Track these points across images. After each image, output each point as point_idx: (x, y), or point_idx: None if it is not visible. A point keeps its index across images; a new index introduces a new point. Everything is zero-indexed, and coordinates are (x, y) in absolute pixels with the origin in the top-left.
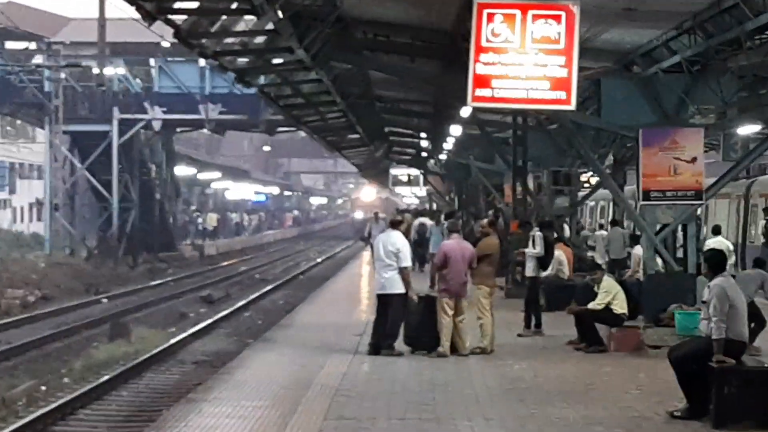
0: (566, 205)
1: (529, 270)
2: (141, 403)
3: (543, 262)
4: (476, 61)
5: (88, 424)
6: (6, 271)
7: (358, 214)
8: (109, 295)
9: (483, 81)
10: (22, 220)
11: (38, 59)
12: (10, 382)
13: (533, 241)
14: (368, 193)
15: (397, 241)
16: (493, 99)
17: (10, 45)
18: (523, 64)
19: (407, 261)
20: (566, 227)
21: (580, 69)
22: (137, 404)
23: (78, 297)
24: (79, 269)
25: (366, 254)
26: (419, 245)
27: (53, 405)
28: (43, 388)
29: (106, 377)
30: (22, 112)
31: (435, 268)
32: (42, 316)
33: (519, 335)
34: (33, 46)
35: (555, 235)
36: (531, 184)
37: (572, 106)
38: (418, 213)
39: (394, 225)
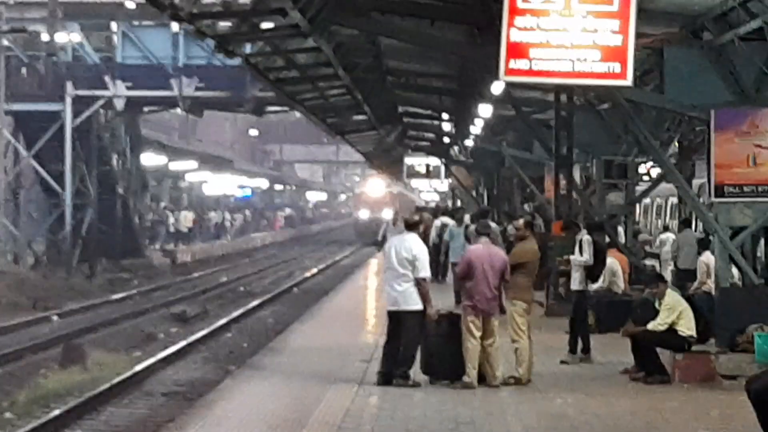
0: (621, 203)
1: (575, 282)
2: None
3: (592, 272)
4: (510, 25)
5: None
6: None
7: (363, 214)
8: (60, 312)
9: (519, 50)
10: None
11: None
12: None
13: (580, 247)
14: (375, 186)
15: (413, 246)
16: (530, 72)
17: None
18: (568, 29)
19: (425, 270)
20: (620, 230)
21: (638, 36)
22: None
23: (22, 314)
24: (24, 279)
25: (375, 262)
26: (441, 251)
27: None
28: None
29: (56, 412)
30: None
31: (457, 278)
32: None
33: (562, 362)
34: None
35: (607, 239)
36: (577, 177)
37: (628, 81)
38: (438, 212)
39: (410, 226)
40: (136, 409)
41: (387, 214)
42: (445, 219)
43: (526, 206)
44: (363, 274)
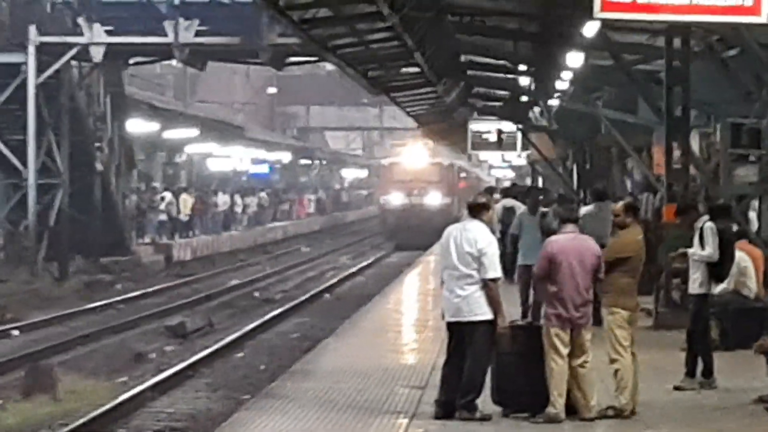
0: (753, 180)
1: (695, 284)
2: None
3: (716, 270)
4: None
5: None
6: None
7: (395, 198)
8: (22, 325)
9: None
10: None
11: None
12: None
13: (701, 237)
14: (415, 155)
15: (478, 237)
16: (633, 6)
17: None
18: None
19: (495, 269)
20: (753, 215)
21: None
22: None
23: None
24: None
25: (431, 259)
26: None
27: None
28: None
29: None
30: None
31: (536, 280)
32: None
33: (677, 387)
34: None
35: (735, 227)
36: (696, 146)
37: (762, 17)
38: (504, 192)
39: (475, 211)
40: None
41: (434, 198)
42: (509, 201)
43: (628, 183)
44: (415, 275)
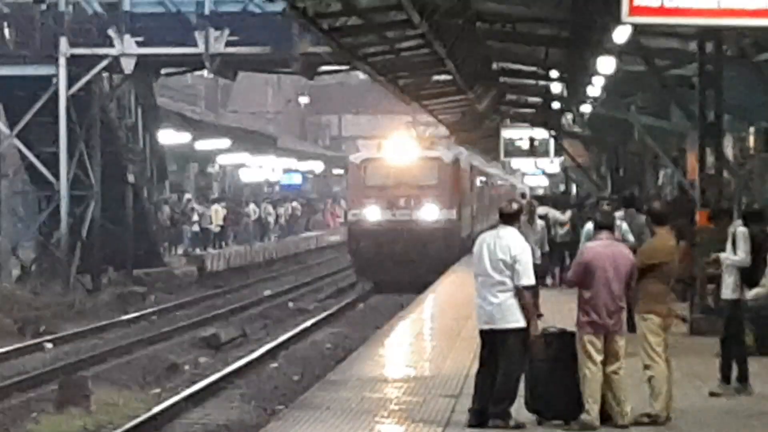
0: None
1: (728, 289)
2: None
3: (750, 275)
4: None
5: None
6: None
7: (370, 213)
8: (56, 338)
9: None
10: None
11: None
12: None
13: (734, 242)
14: (395, 148)
15: (511, 244)
16: (663, 11)
17: None
18: None
19: (529, 276)
20: None
21: None
22: None
23: (7, 341)
24: (8, 296)
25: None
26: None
27: None
28: None
29: None
30: None
31: (569, 285)
32: None
33: (712, 394)
34: None
35: None
36: (730, 151)
37: None
38: (539, 199)
39: (507, 218)
40: None
41: (430, 212)
42: (544, 209)
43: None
44: (448, 282)
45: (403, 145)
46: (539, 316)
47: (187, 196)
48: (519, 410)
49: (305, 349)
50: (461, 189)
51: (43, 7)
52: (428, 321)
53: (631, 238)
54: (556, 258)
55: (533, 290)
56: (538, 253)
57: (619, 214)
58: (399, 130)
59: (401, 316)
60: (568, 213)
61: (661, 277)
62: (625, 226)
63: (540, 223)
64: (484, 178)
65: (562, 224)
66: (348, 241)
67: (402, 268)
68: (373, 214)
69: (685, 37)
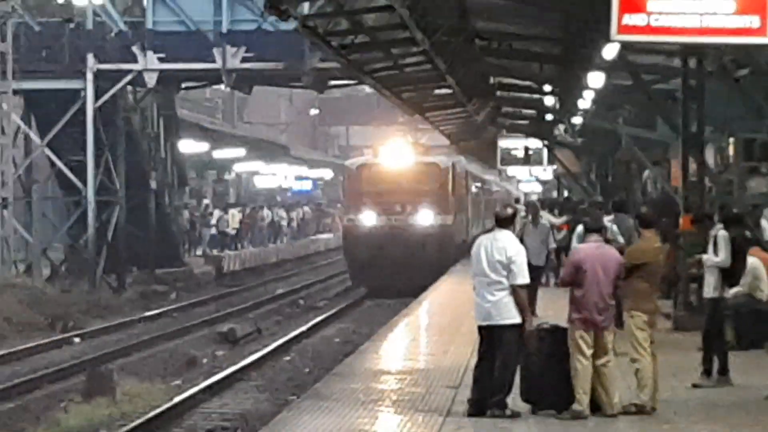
0: (764, 190)
1: (709, 288)
2: None
3: (730, 275)
4: None
5: None
6: None
7: (365, 218)
8: (83, 333)
9: (634, 3)
10: None
11: None
12: None
13: (715, 245)
14: (391, 154)
15: (507, 246)
16: (649, 29)
17: None
18: None
19: (523, 275)
20: (765, 223)
21: None
22: None
23: (38, 335)
24: (39, 294)
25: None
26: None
27: None
28: None
29: None
30: None
31: (562, 284)
32: None
33: (695, 385)
34: None
35: (748, 234)
36: (711, 159)
37: None
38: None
39: (503, 222)
40: None
41: (425, 217)
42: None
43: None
44: (446, 286)
45: (399, 151)
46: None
47: (206, 201)
48: (515, 400)
49: (315, 344)
50: (457, 194)
51: (72, 25)
52: (429, 318)
53: (620, 239)
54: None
55: (533, 287)
56: (544, 253)
57: (608, 217)
58: (395, 136)
59: (404, 314)
60: (564, 217)
61: (647, 276)
62: (615, 228)
63: (544, 224)
64: (479, 184)
65: (557, 228)
66: (343, 246)
67: (397, 273)
68: (368, 219)
69: (670, 54)
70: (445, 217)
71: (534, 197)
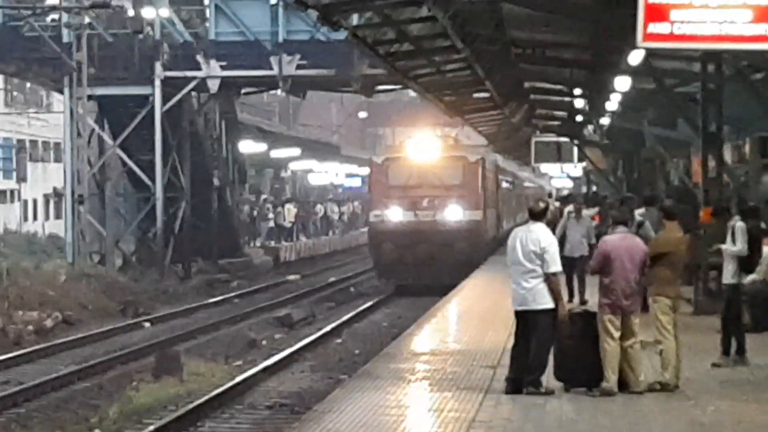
0: None
1: (728, 275)
2: None
3: (747, 263)
4: None
5: None
6: (15, 287)
7: (392, 214)
8: (153, 318)
9: (658, 12)
10: (34, 217)
11: None
12: None
13: (733, 235)
14: (419, 148)
15: (540, 237)
16: (672, 37)
17: None
18: None
19: (556, 264)
20: None
21: None
22: None
23: (111, 320)
24: (112, 283)
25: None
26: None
27: None
28: None
29: (150, 428)
30: (33, 72)
31: (592, 273)
32: (63, 346)
33: (714, 365)
34: None
35: (763, 225)
36: (729, 157)
37: None
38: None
39: (536, 216)
40: (238, 424)
41: (454, 213)
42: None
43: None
44: (487, 270)
45: (426, 144)
46: (583, 302)
47: (264, 196)
48: (549, 379)
49: (365, 327)
50: (487, 189)
51: (141, 36)
52: (468, 305)
53: (651, 234)
54: None
55: (580, 278)
56: (586, 245)
57: (639, 211)
58: (422, 130)
59: (446, 300)
60: (593, 210)
61: (670, 264)
62: (647, 223)
63: (586, 218)
64: (510, 179)
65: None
66: (369, 242)
67: (425, 270)
68: (395, 214)
69: (690, 60)
70: (475, 212)
71: (565, 192)
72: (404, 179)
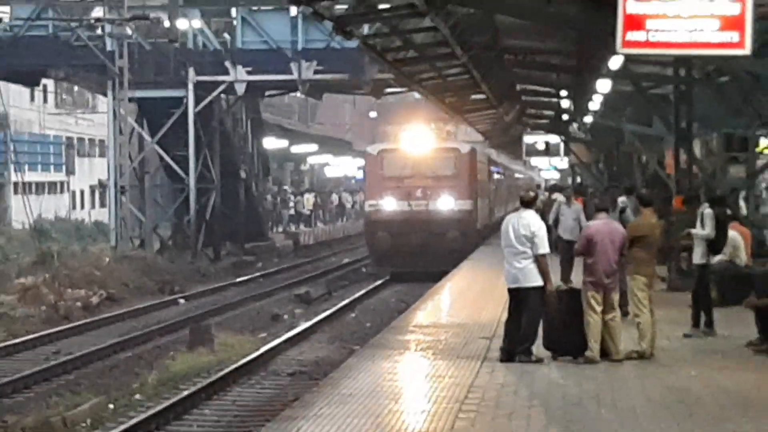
0: (742, 176)
1: (697, 256)
2: (228, 422)
3: (714, 245)
4: None
5: None
6: (64, 268)
7: (387, 204)
8: (187, 295)
9: (635, 22)
10: (82, 206)
11: (98, 12)
12: (72, 400)
13: (702, 221)
14: (412, 140)
15: (531, 222)
16: (648, 44)
17: None
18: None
19: (545, 247)
20: (742, 203)
21: (757, 5)
22: (223, 424)
23: (150, 297)
24: (150, 264)
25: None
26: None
27: (122, 427)
28: (111, 406)
29: (185, 393)
30: (79, 77)
31: (577, 254)
32: (108, 320)
33: (685, 336)
34: None
35: (729, 212)
36: (698, 151)
37: (746, 50)
38: (553, 188)
39: (527, 203)
40: (263, 389)
41: (446, 202)
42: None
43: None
44: (482, 253)
45: (419, 136)
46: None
47: (285, 187)
48: (538, 348)
49: (375, 303)
50: (478, 180)
51: (176, 45)
52: (467, 285)
53: (632, 218)
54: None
55: (569, 260)
56: (577, 229)
57: (622, 198)
58: (416, 123)
59: (447, 279)
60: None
61: (646, 246)
62: (629, 209)
63: (576, 205)
64: (502, 170)
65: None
66: (365, 231)
67: (419, 258)
68: (389, 204)
69: (664, 64)
70: (466, 201)
71: (552, 182)
72: (398, 170)
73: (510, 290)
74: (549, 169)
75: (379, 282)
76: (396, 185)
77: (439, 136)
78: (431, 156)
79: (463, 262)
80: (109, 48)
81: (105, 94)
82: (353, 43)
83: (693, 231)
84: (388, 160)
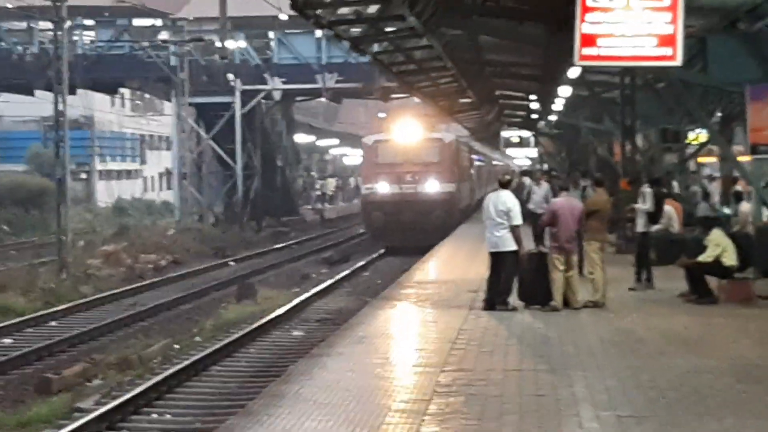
0: (675, 162)
1: (640, 225)
2: (269, 359)
3: (653, 217)
4: (582, 21)
5: (219, 380)
6: (139, 238)
7: (381, 187)
8: (235, 259)
9: (589, 40)
10: (152, 189)
11: (164, 35)
12: (146, 342)
13: (643, 197)
14: (402, 131)
15: (507, 200)
16: (599, 57)
17: (137, 22)
18: (629, 22)
19: (518, 219)
20: (675, 183)
21: (686, 26)
22: (265, 360)
23: (206, 261)
24: (207, 234)
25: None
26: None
27: (186, 362)
28: (176, 346)
29: (235, 336)
30: (150, 87)
31: (543, 225)
32: (173, 279)
33: (630, 289)
34: (159, 22)
35: (664, 190)
36: (640, 142)
37: (678, 62)
38: (523, 173)
39: (504, 185)
40: (296, 333)
41: (432, 186)
42: (527, 179)
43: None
44: (464, 229)
45: (409, 128)
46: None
47: (312, 173)
48: (514, 299)
49: (384, 264)
50: (460, 166)
51: (226, 61)
52: (455, 250)
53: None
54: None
55: (539, 232)
56: (545, 204)
57: (584, 181)
58: (405, 116)
59: (441, 245)
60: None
61: (599, 218)
62: (589, 188)
63: (545, 185)
64: (482, 158)
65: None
66: (362, 211)
67: (408, 234)
68: (383, 188)
69: (612, 74)
70: (449, 185)
71: (524, 168)
72: (390, 158)
73: (491, 253)
74: (521, 158)
75: (383, 250)
76: (388, 171)
77: (426, 127)
78: (419, 145)
79: (448, 236)
80: (173, 63)
81: (170, 100)
82: (366, 59)
83: (636, 206)
84: (381, 149)
